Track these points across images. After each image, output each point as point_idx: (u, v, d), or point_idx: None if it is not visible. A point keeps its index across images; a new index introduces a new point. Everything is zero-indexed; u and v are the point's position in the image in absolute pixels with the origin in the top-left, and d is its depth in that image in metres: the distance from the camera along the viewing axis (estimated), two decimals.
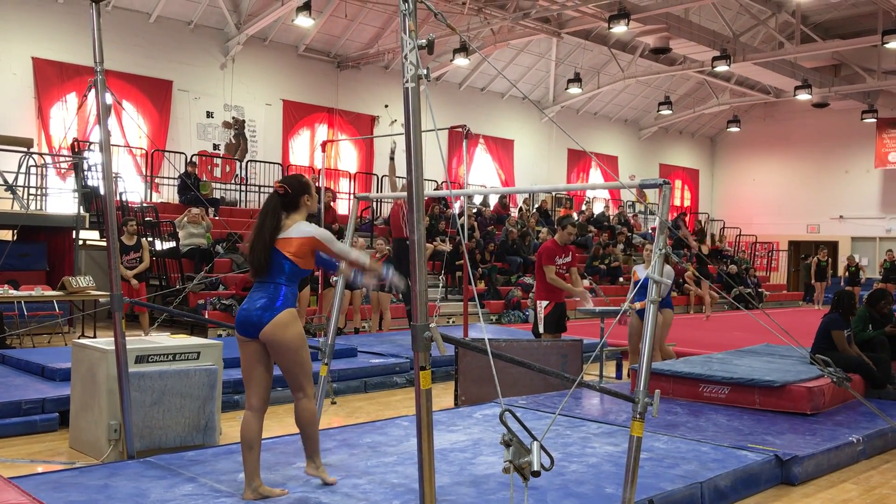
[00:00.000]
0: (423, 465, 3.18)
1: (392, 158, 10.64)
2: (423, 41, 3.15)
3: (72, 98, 15.00)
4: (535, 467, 3.13)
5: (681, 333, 9.83)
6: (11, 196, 11.95)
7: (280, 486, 4.30)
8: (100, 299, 10.34)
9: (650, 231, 22.70)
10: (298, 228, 4.17)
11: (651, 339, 3.95)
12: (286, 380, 4.23)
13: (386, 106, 20.10)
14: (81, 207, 12.43)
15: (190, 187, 14.06)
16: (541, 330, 8.04)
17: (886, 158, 25.55)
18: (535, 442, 3.15)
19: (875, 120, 24.69)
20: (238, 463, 4.74)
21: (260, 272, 4.15)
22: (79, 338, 9.39)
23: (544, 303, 8.05)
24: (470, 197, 17.45)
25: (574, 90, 21.55)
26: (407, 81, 3.14)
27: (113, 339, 5.02)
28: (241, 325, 4.16)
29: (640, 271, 8.61)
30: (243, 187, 17.41)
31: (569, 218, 9.11)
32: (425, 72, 3.15)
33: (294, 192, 4.21)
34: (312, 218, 4.36)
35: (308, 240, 4.15)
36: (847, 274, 20.77)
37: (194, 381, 5.55)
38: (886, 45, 17.66)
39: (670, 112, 24.94)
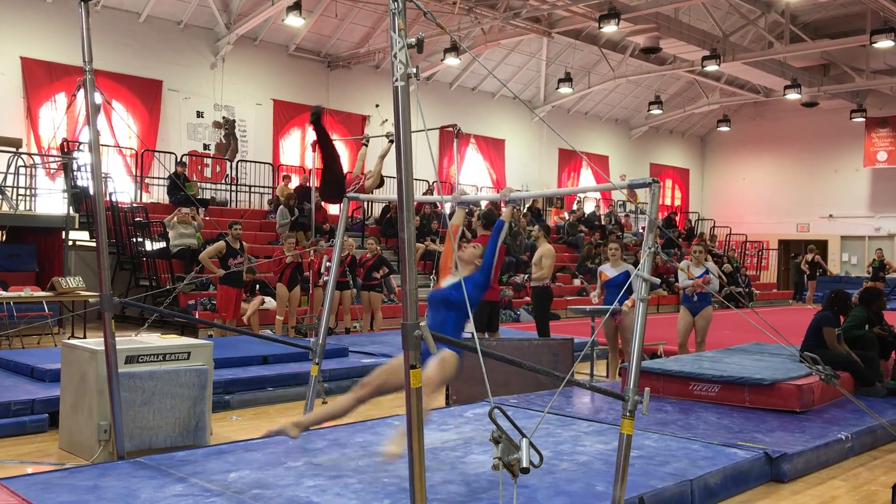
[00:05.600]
0: (413, 464, 3.18)
1: (365, 144, 10.48)
2: (413, 40, 3.14)
3: (61, 98, 14.93)
4: (525, 464, 3.14)
5: (670, 332, 9.85)
6: (0, 197, 11.92)
7: (271, 485, 4.30)
8: (89, 300, 10.32)
9: (640, 230, 22.76)
10: None
11: (641, 337, 3.97)
12: None
13: (377, 105, 20.08)
14: (71, 208, 12.40)
15: (179, 187, 14.03)
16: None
17: (875, 157, 25.67)
18: (524, 439, 3.16)
19: (864, 119, 24.81)
20: (229, 462, 4.74)
21: None
22: (68, 338, 9.36)
23: None
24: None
25: (565, 90, 21.58)
26: (396, 80, 3.13)
27: (103, 339, 5.01)
28: None
29: (607, 271, 8.59)
30: (234, 187, 17.37)
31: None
32: (414, 70, 3.15)
33: None
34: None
35: None
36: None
37: (185, 381, 5.54)
38: (875, 45, 17.72)
39: (660, 112, 25.00)
